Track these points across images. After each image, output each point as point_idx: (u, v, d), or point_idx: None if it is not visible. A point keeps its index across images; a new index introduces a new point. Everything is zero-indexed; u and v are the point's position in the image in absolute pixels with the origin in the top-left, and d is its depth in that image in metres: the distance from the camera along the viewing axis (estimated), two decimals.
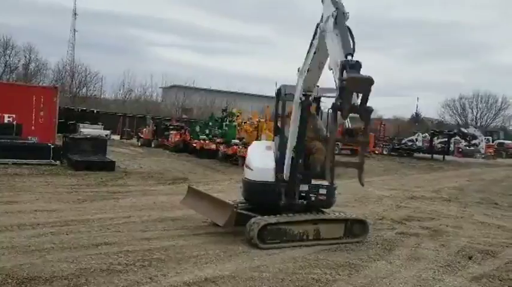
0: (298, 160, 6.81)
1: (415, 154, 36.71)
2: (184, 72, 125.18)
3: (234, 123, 21.96)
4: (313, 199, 6.89)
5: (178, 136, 25.32)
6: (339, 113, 4.92)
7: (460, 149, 43.25)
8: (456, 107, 71.71)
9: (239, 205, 7.10)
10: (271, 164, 6.98)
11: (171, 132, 26.32)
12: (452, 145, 40.56)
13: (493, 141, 48.08)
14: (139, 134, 30.26)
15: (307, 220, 6.75)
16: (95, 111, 33.88)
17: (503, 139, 53.09)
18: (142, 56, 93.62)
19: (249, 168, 7.17)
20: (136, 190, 11.13)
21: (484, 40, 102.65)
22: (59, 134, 18.72)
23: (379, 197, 12.48)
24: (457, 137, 40.31)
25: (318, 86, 6.95)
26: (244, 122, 21.77)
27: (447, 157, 35.23)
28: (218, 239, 6.68)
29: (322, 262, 5.94)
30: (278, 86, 7.39)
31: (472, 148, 42.59)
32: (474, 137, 39.80)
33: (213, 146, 21.13)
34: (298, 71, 6.70)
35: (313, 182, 6.87)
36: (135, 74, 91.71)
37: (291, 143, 6.75)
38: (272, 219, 6.48)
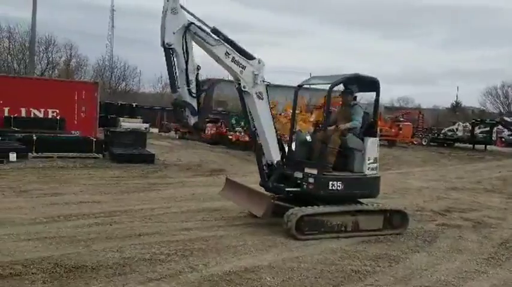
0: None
1: (456, 144, 35.66)
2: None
3: None
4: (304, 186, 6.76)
5: (215, 129, 25.55)
6: None
7: (503, 139, 41.74)
8: (498, 95, 68.93)
9: (276, 196, 7.13)
10: None
11: (208, 125, 26.55)
12: (494, 135, 39.12)
13: None
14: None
15: (345, 211, 6.72)
16: (134, 105, 34.54)
17: None
18: None
19: None
20: (176, 181, 11.36)
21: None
22: (100, 128, 19.26)
23: (419, 189, 12.25)
24: (500, 127, 38.84)
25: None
26: (279, 114, 21.71)
27: (489, 147, 34.09)
28: (256, 230, 6.75)
29: (361, 254, 5.91)
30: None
31: None
32: None
33: (248, 139, 21.21)
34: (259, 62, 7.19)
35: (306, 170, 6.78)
36: None
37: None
38: (309, 210, 6.49)
